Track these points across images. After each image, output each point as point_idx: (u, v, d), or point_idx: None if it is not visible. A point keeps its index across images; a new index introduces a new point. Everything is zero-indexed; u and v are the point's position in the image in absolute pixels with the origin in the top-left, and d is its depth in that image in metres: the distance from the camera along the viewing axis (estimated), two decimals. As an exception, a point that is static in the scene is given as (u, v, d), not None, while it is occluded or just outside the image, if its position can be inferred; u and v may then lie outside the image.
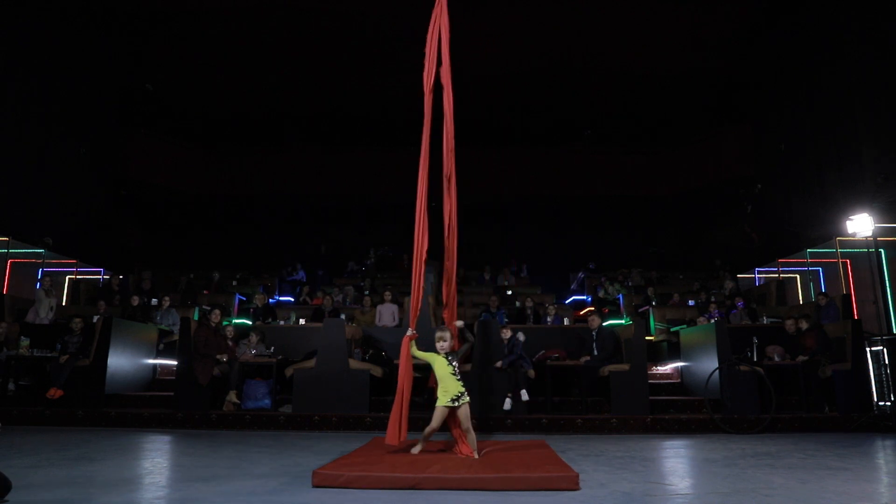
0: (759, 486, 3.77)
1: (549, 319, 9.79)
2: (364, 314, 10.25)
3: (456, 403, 4.59)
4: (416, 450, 4.58)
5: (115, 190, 13.75)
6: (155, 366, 9.23)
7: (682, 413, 7.57)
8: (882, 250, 9.89)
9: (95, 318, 8.57)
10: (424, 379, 6.70)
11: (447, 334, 4.79)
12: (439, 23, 5.32)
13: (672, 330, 9.79)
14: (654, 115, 15.74)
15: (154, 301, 10.45)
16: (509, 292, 12.05)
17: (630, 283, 13.17)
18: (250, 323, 9.84)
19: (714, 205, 15.01)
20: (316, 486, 3.67)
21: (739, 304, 10.21)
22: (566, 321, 9.86)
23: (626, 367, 7.50)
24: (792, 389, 7.75)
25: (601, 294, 12.71)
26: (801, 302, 11.73)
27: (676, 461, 5.11)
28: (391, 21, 12.09)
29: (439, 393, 4.66)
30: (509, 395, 7.24)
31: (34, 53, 10.80)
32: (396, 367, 7.51)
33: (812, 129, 11.48)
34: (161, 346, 9.43)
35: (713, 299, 10.63)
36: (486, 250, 14.76)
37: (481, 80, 14.13)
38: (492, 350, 7.41)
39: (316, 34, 12.96)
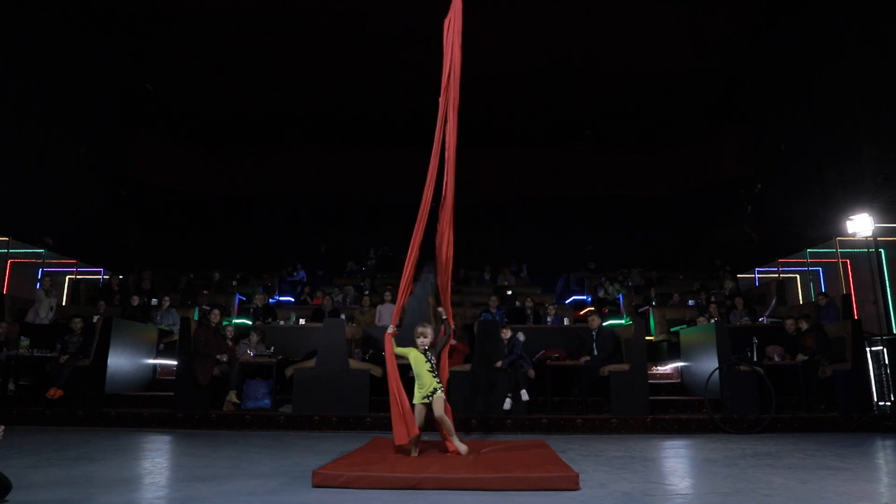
0: (759, 486, 3.76)
1: (549, 319, 9.79)
2: (363, 314, 10.25)
3: (428, 399, 4.61)
4: (413, 453, 4.57)
5: (115, 190, 13.75)
6: (155, 366, 9.23)
7: (682, 413, 7.57)
8: (882, 250, 9.89)
9: (95, 318, 8.56)
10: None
11: (428, 330, 4.79)
12: (454, 25, 5.28)
13: (672, 330, 9.79)
14: (654, 115, 15.75)
15: (154, 301, 10.45)
16: (509, 292, 12.05)
17: (630, 283, 13.17)
18: (250, 323, 9.84)
19: (714, 205, 15.01)
20: (316, 486, 3.67)
21: (772, 301, 9.91)
22: (566, 321, 9.86)
23: (626, 367, 7.50)
24: (792, 389, 7.75)
25: (601, 294, 12.72)
26: (801, 302, 11.73)
27: (676, 461, 5.11)
28: (391, 21, 12.09)
29: (415, 389, 4.68)
30: (509, 395, 7.24)
31: (34, 53, 10.80)
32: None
33: (812, 129, 11.48)
34: (161, 346, 9.44)
35: (713, 299, 10.63)
36: (486, 250, 14.76)
37: (481, 80, 14.10)
38: (492, 350, 7.42)
39: (316, 34, 12.96)
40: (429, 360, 4.68)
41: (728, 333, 7.65)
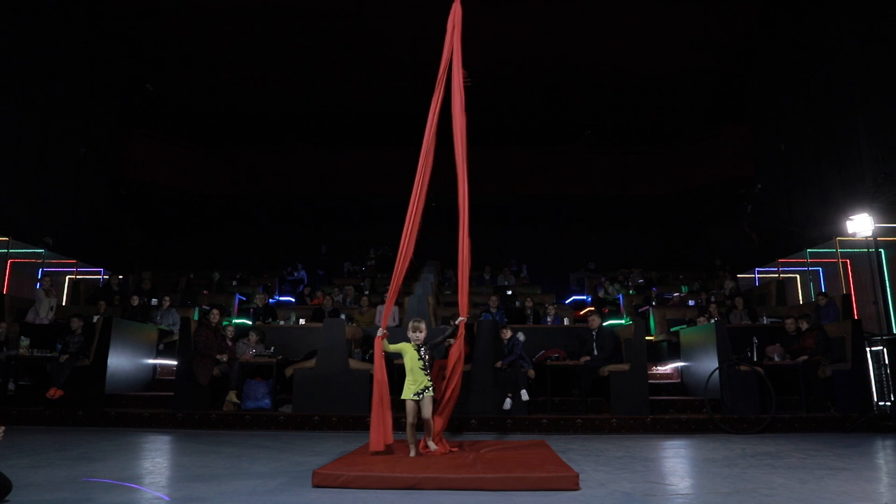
0: (759, 486, 3.77)
1: (548, 319, 9.79)
2: (363, 314, 10.25)
3: (419, 397, 4.61)
4: (411, 453, 4.57)
5: (115, 190, 13.75)
6: (155, 366, 9.23)
7: (682, 413, 7.57)
8: (882, 250, 9.89)
9: (95, 318, 8.56)
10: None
11: (422, 325, 4.80)
12: (454, 31, 5.31)
13: (672, 330, 9.79)
14: (654, 115, 15.74)
15: (154, 301, 10.46)
16: (509, 292, 12.05)
17: (630, 283, 13.17)
18: (250, 323, 9.84)
19: (714, 205, 15.01)
20: (316, 486, 3.67)
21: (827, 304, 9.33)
22: (566, 321, 9.86)
23: (626, 367, 7.50)
24: (792, 389, 7.75)
25: (601, 294, 12.72)
26: (801, 302, 11.73)
27: (676, 461, 5.11)
28: (392, 21, 12.09)
29: (405, 385, 4.68)
30: (509, 395, 7.23)
31: (34, 54, 10.80)
32: (396, 367, 7.55)
33: (812, 129, 11.48)
34: (161, 346, 9.44)
35: (713, 299, 10.63)
36: (486, 250, 14.74)
37: (481, 80, 14.10)
38: (492, 350, 7.42)
39: (316, 34, 12.97)
40: (422, 358, 4.69)
41: (728, 333, 7.65)
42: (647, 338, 8.53)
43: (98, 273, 12.79)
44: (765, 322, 9.42)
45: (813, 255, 11.52)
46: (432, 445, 4.69)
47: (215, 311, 8.28)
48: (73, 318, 8.30)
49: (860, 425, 7.03)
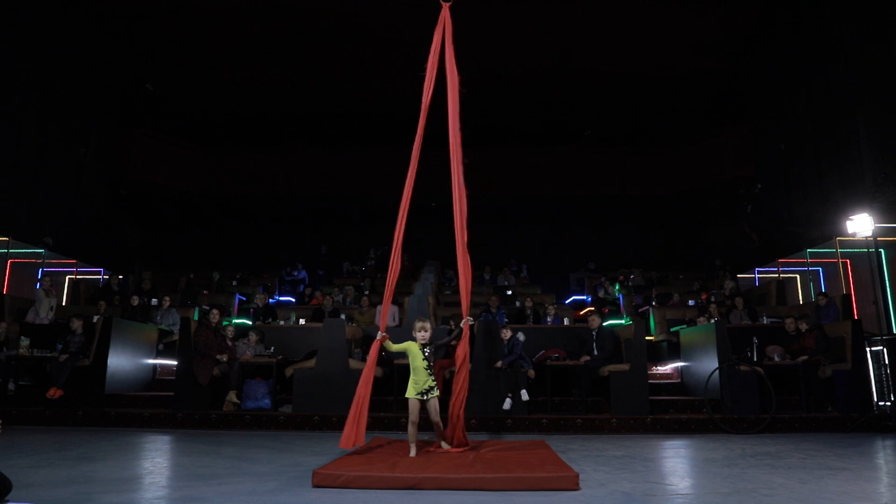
0: (759, 486, 3.77)
1: (548, 319, 9.79)
2: (363, 314, 10.25)
3: (424, 397, 4.61)
4: (412, 453, 4.56)
5: (115, 190, 13.75)
6: (155, 366, 9.23)
7: (682, 413, 7.57)
8: (882, 250, 9.89)
9: (95, 318, 8.56)
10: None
11: (428, 324, 4.80)
12: (446, 35, 5.31)
13: (672, 330, 9.79)
14: (654, 115, 15.74)
15: (154, 301, 10.46)
16: (509, 292, 12.05)
17: (630, 283, 13.18)
18: (250, 323, 9.84)
19: (714, 205, 15.01)
20: (316, 486, 3.67)
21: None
22: (566, 321, 9.86)
23: (626, 367, 7.50)
24: (792, 389, 7.75)
25: (601, 294, 12.72)
26: (801, 302, 11.73)
27: (676, 461, 5.11)
28: (392, 21, 12.09)
29: (409, 384, 4.68)
30: (509, 395, 7.24)
31: (34, 54, 10.80)
32: (396, 367, 7.54)
33: (812, 129, 11.48)
34: (161, 346, 9.44)
35: (713, 299, 10.63)
36: (486, 250, 14.75)
37: (482, 80, 14.11)
38: (492, 350, 7.42)
39: (316, 34, 12.97)
40: (426, 358, 4.69)
41: (728, 333, 7.65)
42: (647, 338, 8.53)
43: (98, 273, 12.79)
44: (765, 322, 9.42)
45: (813, 255, 11.52)
46: (445, 445, 4.71)
47: (215, 311, 8.28)
48: (74, 317, 8.30)
49: (860, 425, 7.03)
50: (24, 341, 8.12)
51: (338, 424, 7.15)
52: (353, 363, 7.59)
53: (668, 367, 9.47)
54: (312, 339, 8.40)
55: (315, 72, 14.29)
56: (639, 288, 12.84)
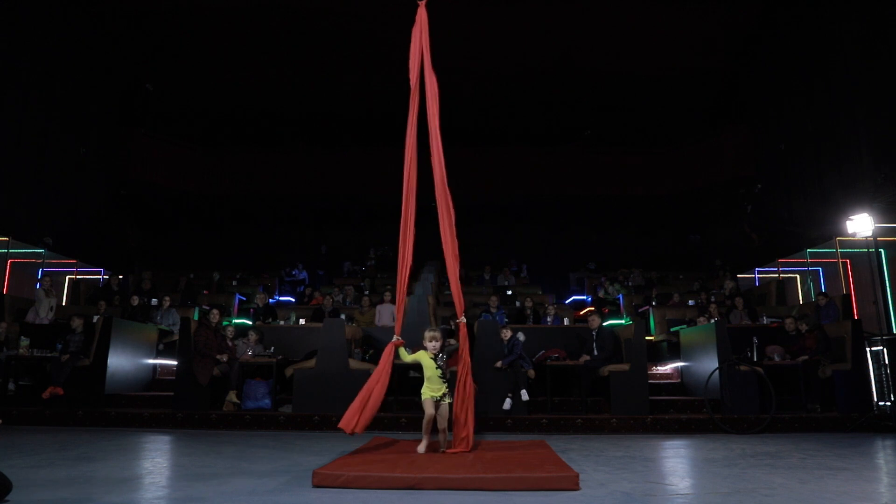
0: (759, 486, 3.76)
1: (548, 319, 9.79)
2: (363, 314, 10.25)
3: (437, 400, 4.65)
4: (421, 448, 4.58)
5: (115, 190, 13.75)
6: (155, 366, 9.23)
7: (682, 413, 7.57)
8: (882, 250, 9.88)
9: (95, 318, 8.57)
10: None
11: (438, 334, 4.81)
12: (421, 39, 5.28)
13: (672, 330, 9.79)
14: (655, 115, 15.74)
15: (154, 301, 10.46)
16: (509, 292, 12.05)
17: (630, 283, 13.18)
18: (250, 323, 9.84)
19: (714, 205, 15.02)
20: (316, 486, 3.67)
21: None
22: (566, 321, 9.86)
23: (626, 367, 7.50)
24: (792, 389, 7.75)
25: (601, 294, 12.72)
26: (801, 302, 11.73)
27: (676, 461, 5.11)
28: (392, 21, 12.07)
29: (424, 386, 4.72)
30: (509, 395, 7.24)
31: (34, 53, 10.80)
32: (396, 367, 7.54)
33: (812, 129, 11.47)
34: (161, 346, 9.44)
35: (713, 299, 10.62)
36: (486, 250, 14.76)
37: (482, 80, 14.11)
38: (492, 350, 7.42)
39: (316, 34, 12.96)
40: (439, 367, 4.71)
41: (728, 333, 7.65)
42: (647, 338, 8.53)
43: (98, 273, 12.79)
44: (765, 322, 9.42)
45: (813, 255, 11.52)
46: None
47: (215, 311, 8.29)
48: (74, 316, 8.30)
49: (860, 425, 7.03)
50: (24, 341, 8.12)
51: (338, 424, 7.15)
52: (353, 363, 7.59)
53: (668, 367, 9.47)
54: (312, 339, 8.39)
55: (315, 72, 14.28)
56: (639, 288, 12.85)
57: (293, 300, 12.92)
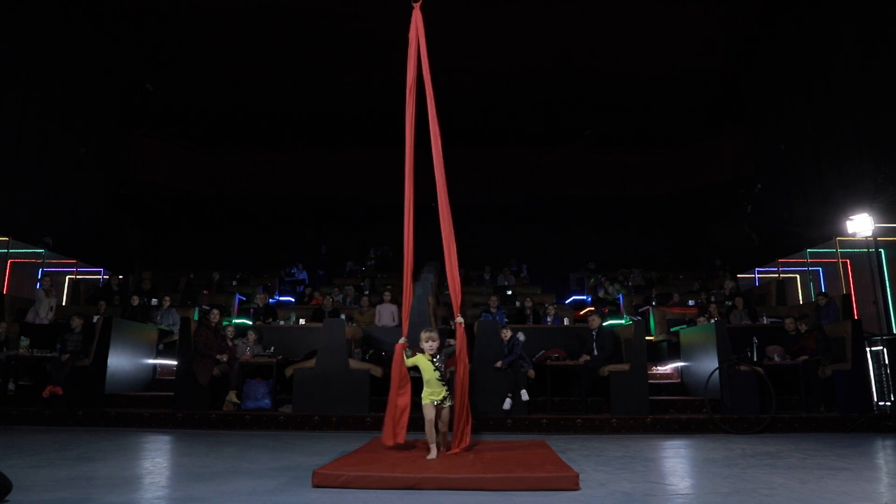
0: (759, 486, 3.76)
1: (548, 319, 9.79)
2: (362, 314, 10.25)
3: (437, 404, 4.62)
4: (431, 455, 4.44)
5: (115, 190, 13.75)
6: (155, 366, 9.24)
7: (682, 413, 7.57)
8: (882, 250, 9.88)
9: (95, 318, 8.56)
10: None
11: (435, 334, 4.76)
12: (417, 40, 5.28)
13: (672, 330, 9.79)
14: (655, 115, 15.74)
15: (154, 301, 10.46)
16: (509, 292, 12.04)
17: (630, 283, 13.17)
18: (250, 323, 9.84)
19: (714, 205, 15.02)
20: (316, 486, 3.67)
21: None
22: (566, 321, 9.86)
23: (626, 367, 7.50)
24: (792, 389, 7.75)
25: (601, 294, 12.71)
26: (801, 302, 11.73)
27: (676, 461, 5.11)
28: (392, 21, 12.07)
29: (424, 390, 4.68)
30: (509, 395, 7.24)
31: (34, 53, 10.79)
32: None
33: (812, 129, 11.47)
34: (161, 346, 9.44)
35: (713, 299, 10.62)
36: (486, 250, 14.76)
37: (482, 80, 14.11)
38: (492, 350, 7.42)
39: (316, 34, 12.96)
40: (437, 369, 4.66)
41: (728, 333, 7.65)
42: (647, 338, 8.53)
43: (98, 273, 12.79)
44: (765, 322, 9.42)
45: (813, 255, 11.52)
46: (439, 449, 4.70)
47: (215, 311, 8.29)
48: (74, 316, 8.30)
49: (860, 425, 7.03)
50: (24, 341, 8.12)
51: (338, 424, 7.16)
52: (354, 363, 7.59)
53: (668, 367, 9.47)
54: (312, 339, 8.40)
55: (315, 72, 14.28)
56: (639, 288, 12.84)
57: (293, 300, 12.91)
